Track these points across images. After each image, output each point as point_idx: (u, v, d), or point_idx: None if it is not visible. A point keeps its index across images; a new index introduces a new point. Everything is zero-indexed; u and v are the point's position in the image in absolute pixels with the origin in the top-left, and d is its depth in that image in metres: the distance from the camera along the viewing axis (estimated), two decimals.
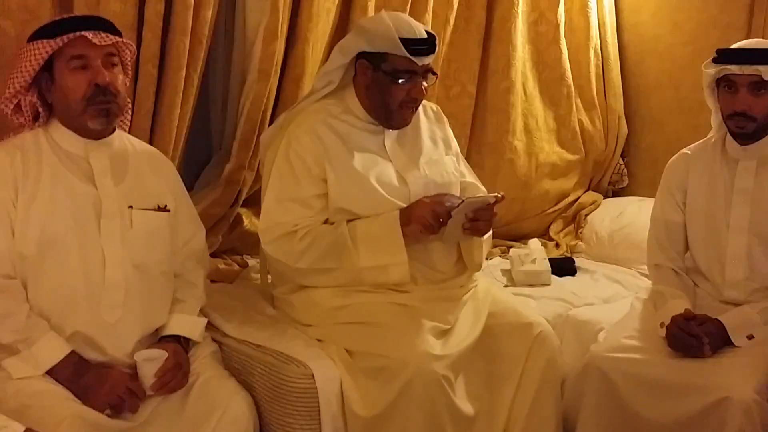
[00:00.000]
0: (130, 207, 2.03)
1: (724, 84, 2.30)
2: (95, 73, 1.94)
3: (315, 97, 2.38)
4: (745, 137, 2.31)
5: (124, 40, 2.03)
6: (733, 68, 2.25)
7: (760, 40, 2.45)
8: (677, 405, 2.09)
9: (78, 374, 1.90)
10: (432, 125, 2.48)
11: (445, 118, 2.54)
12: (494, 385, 2.24)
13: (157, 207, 2.08)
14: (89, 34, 1.92)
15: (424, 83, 2.27)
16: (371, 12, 2.86)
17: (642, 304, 2.46)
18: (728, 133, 2.37)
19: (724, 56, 2.29)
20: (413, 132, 2.40)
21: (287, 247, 2.22)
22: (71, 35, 1.91)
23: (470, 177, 2.55)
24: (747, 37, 2.97)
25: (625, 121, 3.69)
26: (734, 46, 2.32)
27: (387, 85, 2.24)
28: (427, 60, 2.26)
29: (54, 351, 1.89)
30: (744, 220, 2.33)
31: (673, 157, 2.52)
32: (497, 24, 3.32)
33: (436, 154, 2.42)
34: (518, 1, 3.32)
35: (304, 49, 2.78)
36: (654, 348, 2.23)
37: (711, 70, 2.32)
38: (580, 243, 3.51)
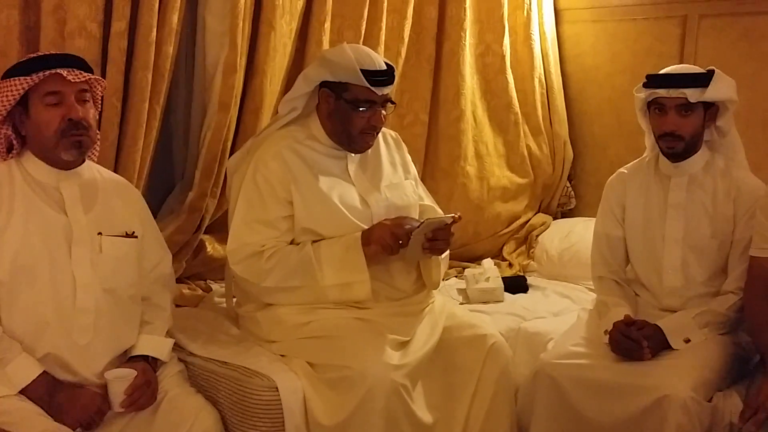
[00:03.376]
0: (100, 233, 2.10)
1: (654, 107, 2.45)
2: (69, 108, 2.01)
3: (279, 123, 2.48)
4: (675, 156, 2.47)
5: (96, 76, 2.11)
6: (662, 92, 2.40)
7: (686, 65, 2.62)
8: (621, 405, 2.22)
9: (51, 393, 1.96)
10: (391, 151, 2.60)
11: (403, 145, 2.67)
12: (451, 394, 2.34)
13: (125, 233, 2.15)
14: (63, 72, 2.00)
15: (384, 112, 2.39)
16: (326, 46, 3.00)
17: (587, 314, 2.60)
18: (660, 152, 2.52)
19: (653, 81, 2.44)
20: (374, 158, 2.52)
21: (255, 267, 2.31)
22: (46, 72, 1.99)
23: (428, 200, 2.67)
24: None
25: (570, 146, 3.86)
26: (662, 71, 2.47)
27: (348, 113, 2.35)
28: (386, 90, 2.37)
29: (27, 371, 1.96)
30: (678, 232, 2.48)
31: (611, 176, 2.67)
32: (446, 56, 3.48)
33: (396, 179, 2.54)
34: (466, 35, 3.48)
35: (263, 81, 2.90)
36: (599, 354, 2.35)
37: (642, 94, 2.48)
38: (532, 262, 3.64)
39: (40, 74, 1.99)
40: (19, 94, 2.00)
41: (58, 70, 2.00)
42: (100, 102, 2.19)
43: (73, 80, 2.01)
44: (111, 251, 2.11)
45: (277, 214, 2.33)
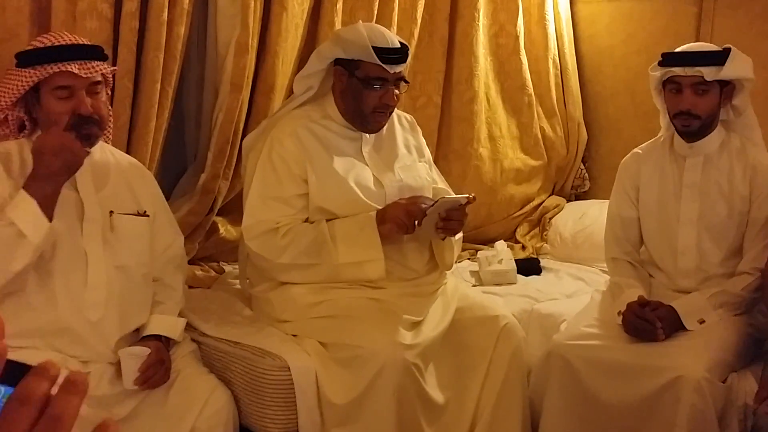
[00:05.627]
0: (111, 212, 2.11)
1: (669, 85, 2.42)
2: (78, 103, 2.00)
3: (295, 102, 2.47)
4: (690, 135, 2.44)
5: (108, 68, 2.10)
6: (677, 70, 2.38)
7: (702, 43, 2.59)
8: (635, 386, 2.21)
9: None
10: (406, 134, 2.59)
11: (418, 128, 2.66)
12: (463, 375, 2.34)
13: (136, 212, 2.17)
14: (74, 68, 1.99)
15: (396, 90, 2.38)
16: (338, 26, 2.97)
17: (601, 295, 2.59)
18: (676, 132, 2.50)
19: (668, 59, 2.42)
20: (389, 139, 2.51)
21: (270, 243, 2.31)
22: (57, 67, 1.98)
23: (441, 183, 2.66)
24: None
25: (584, 128, 3.82)
26: (678, 49, 2.44)
27: (360, 91, 2.34)
28: (399, 68, 2.36)
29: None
30: (693, 213, 2.46)
31: (625, 157, 2.64)
32: (459, 37, 3.45)
33: (410, 160, 2.54)
34: (479, 15, 3.45)
35: (274, 62, 2.88)
36: (612, 335, 2.34)
37: (657, 73, 2.45)
38: (545, 245, 3.62)
39: (50, 69, 1.98)
40: (28, 85, 2.01)
41: (69, 67, 1.98)
42: (111, 82, 2.19)
43: (84, 75, 2.01)
44: (123, 229, 2.12)
45: (293, 191, 2.33)
